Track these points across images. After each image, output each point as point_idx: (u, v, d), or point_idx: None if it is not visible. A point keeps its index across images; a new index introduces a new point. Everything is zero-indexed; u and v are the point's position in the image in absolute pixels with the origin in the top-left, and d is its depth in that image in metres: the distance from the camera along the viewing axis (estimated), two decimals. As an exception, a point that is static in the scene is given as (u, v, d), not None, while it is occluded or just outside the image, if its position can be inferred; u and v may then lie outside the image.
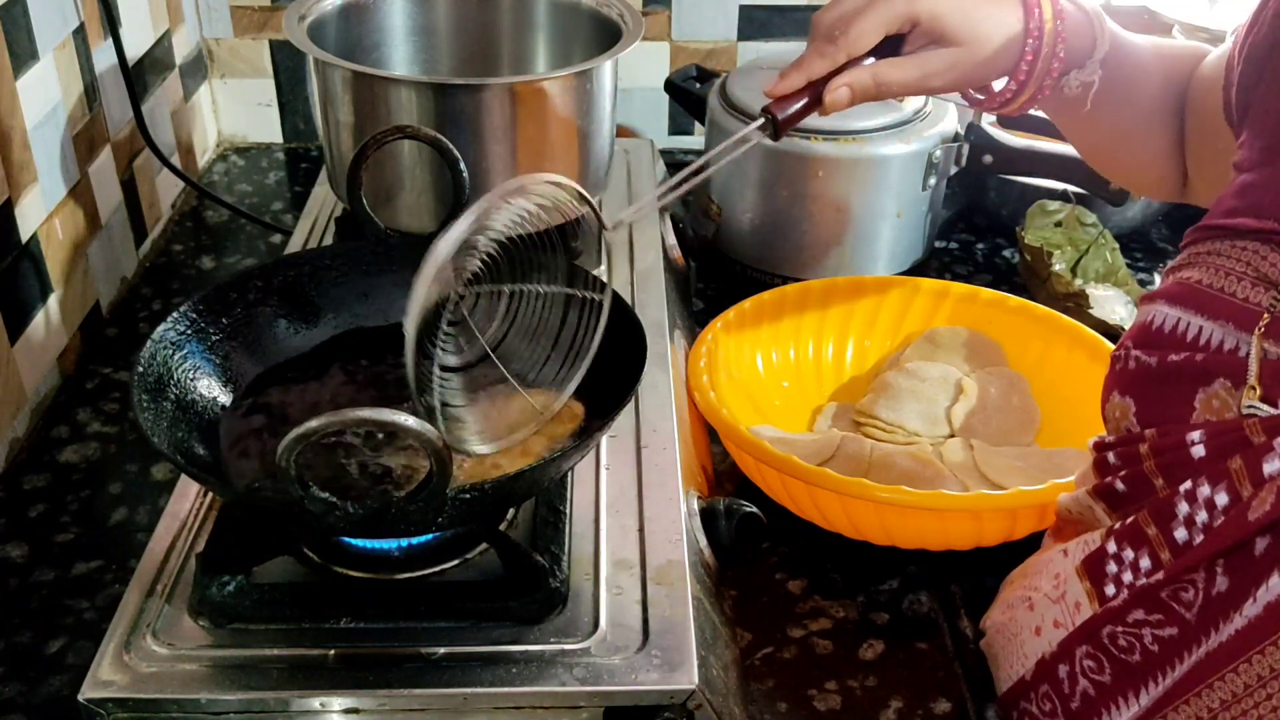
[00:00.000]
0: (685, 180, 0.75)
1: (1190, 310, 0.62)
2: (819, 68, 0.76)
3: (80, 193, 1.10)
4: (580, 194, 0.72)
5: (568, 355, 0.76)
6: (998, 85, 0.80)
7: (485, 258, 0.71)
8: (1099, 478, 0.65)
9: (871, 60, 0.77)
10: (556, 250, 0.75)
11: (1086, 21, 0.78)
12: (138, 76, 1.22)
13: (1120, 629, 0.60)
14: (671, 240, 1.15)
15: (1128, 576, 0.60)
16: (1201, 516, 0.57)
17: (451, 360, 0.73)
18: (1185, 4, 1.77)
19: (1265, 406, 0.56)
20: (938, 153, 1.17)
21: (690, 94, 1.28)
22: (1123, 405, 0.64)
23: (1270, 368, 0.57)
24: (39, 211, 1.02)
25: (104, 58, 1.15)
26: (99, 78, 1.14)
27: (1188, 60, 0.83)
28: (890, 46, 0.76)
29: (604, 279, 0.75)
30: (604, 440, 0.84)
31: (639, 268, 1.06)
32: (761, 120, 0.78)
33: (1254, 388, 0.57)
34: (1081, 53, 0.78)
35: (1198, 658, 0.56)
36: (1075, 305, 1.13)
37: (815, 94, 0.77)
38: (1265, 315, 0.58)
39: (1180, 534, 0.57)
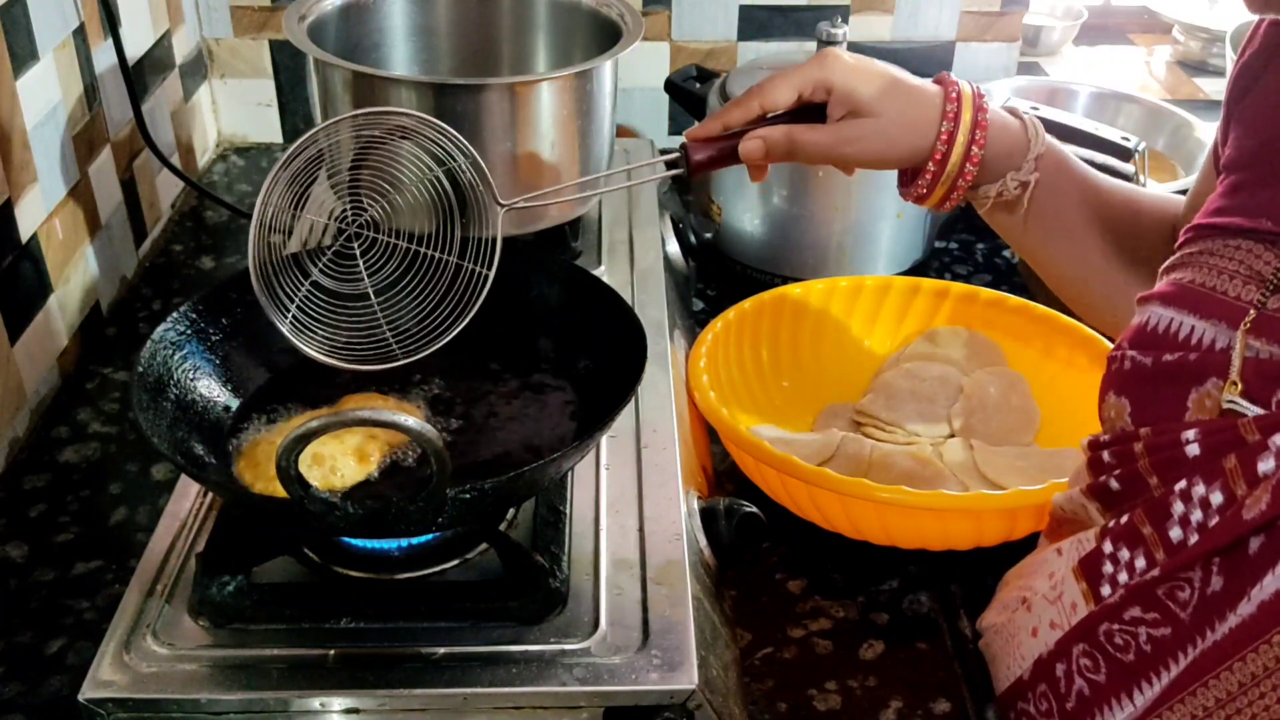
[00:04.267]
0: (597, 188, 0.84)
1: (1184, 310, 0.62)
2: (735, 118, 0.81)
3: (80, 193, 1.10)
4: (477, 162, 0.78)
5: (444, 321, 0.81)
6: (915, 170, 0.82)
7: (390, 207, 0.79)
8: (1093, 477, 0.65)
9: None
10: (455, 220, 0.81)
11: (1018, 125, 0.82)
12: (138, 76, 1.22)
13: (1116, 627, 0.60)
14: (671, 240, 1.15)
15: (1123, 576, 0.60)
16: (1196, 515, 0.57)
17: (327, 283, 0.80)
18: (1185, 4, 1.77)
19: (1244, 402, 0.57)
20: (938, 153, 1.17)
21: (690, 94, 1.28)
22: (1118, 405, 0.64)
23: (1253, 365, 0.57)
24: (39, 211, 1.02)
25: (104, 58, 1.15)
26: (99, 78, 1.14)
27: (1168, 205, 0.85)
28: (817, 115, 0.80)
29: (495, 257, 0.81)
30: (604, 440, 0.84)
31: (639, 268, 1.06)
32: (676, 155, 0.82)
33: (1235, 383, 0.57)
34: (1013, 154, 0.81)
35: (1192, 657, 0.56)
36: (1075, 305, 1.13)
37: (734, 144, 0.81)
38: (1251, 311, 0.58)
39: (1175, 533, 0.58)
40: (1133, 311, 0.84)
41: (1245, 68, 0.68)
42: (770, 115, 0.82)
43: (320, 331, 0.78)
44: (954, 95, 0.79)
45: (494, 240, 0.80)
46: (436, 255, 0.81)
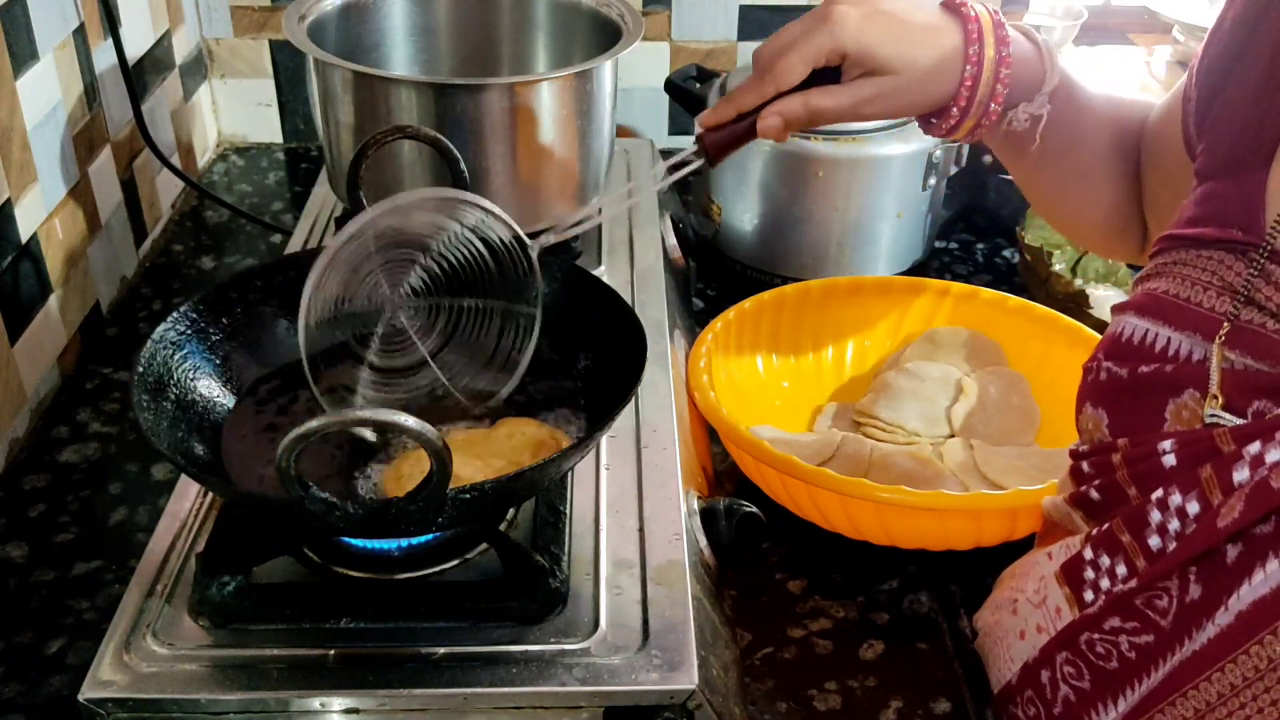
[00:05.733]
0: (627, 197, 0.82)
1: (1158, 321, 0.62)
2: (748, 100, 0.77)
3: (80, 193, 1.10)
4: (504, 220, 0.77)
5: (503, 368, 0.82)
6: (940, 112, 0.79)
7: (425, 273, 0.77)
8: (1075, 486, 0.65)
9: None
10: (492, 268, 0.80)
11: (1035, 53, 0.77)
12: (138, 76, 1.22)
13: (1098, 636, 0.60)
14: (671, 240, 1.15)
15: (1105, 583, 0.60)
16: (1174, 525, 0.57)
17: (381, 362, 0.79)
18: (1185, 4, 1.77)
19: (1227, 415, 0.57)
20: (938, 153, 1.17)
21: (690, 94, 1.28)
22: (1095, 417, 0.64)
23: (1231, 377, 0.57)
24: (39, 211, 1.02)
25: (104, 58, 1.15)
26: (99, 78, 1.14)
27: (1139, 111, 0.83)
28: (829, 76, 0.77)
29: (538, 296, 0.81)
30: (604, 440, 0.84)
31: (639, 268, 1.06)
32: (695, 147, 0.80)
33: (1216, 396, 0.57)
34: (1030, 85, 0.77)
35: (1173, 665, 0.56)
36: (1075, 305, 1.13)
37: (749, 123, 0.78)
38: (1225, 324, 0.58)
39: (1154, 541, 0.58)
40: (1128, 234, 0.84)
41: (1212, 67, 0.67)
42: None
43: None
44: (975, 35, 0.75)
45: (535, 279, 0.80)
46: (482, 305, 0.81)
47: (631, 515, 0.78)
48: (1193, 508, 0.56)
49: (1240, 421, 0.56)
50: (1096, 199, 0.84)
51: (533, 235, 0.80)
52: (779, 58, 0.75)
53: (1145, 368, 0.61)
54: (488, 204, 0.78)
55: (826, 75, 0.76)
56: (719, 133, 0.79)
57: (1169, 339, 0.61)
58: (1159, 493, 0.58)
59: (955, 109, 0.77)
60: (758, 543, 0.83)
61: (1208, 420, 0.57)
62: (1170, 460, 0.58)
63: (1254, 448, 0.54)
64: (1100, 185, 0.83)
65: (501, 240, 0.79)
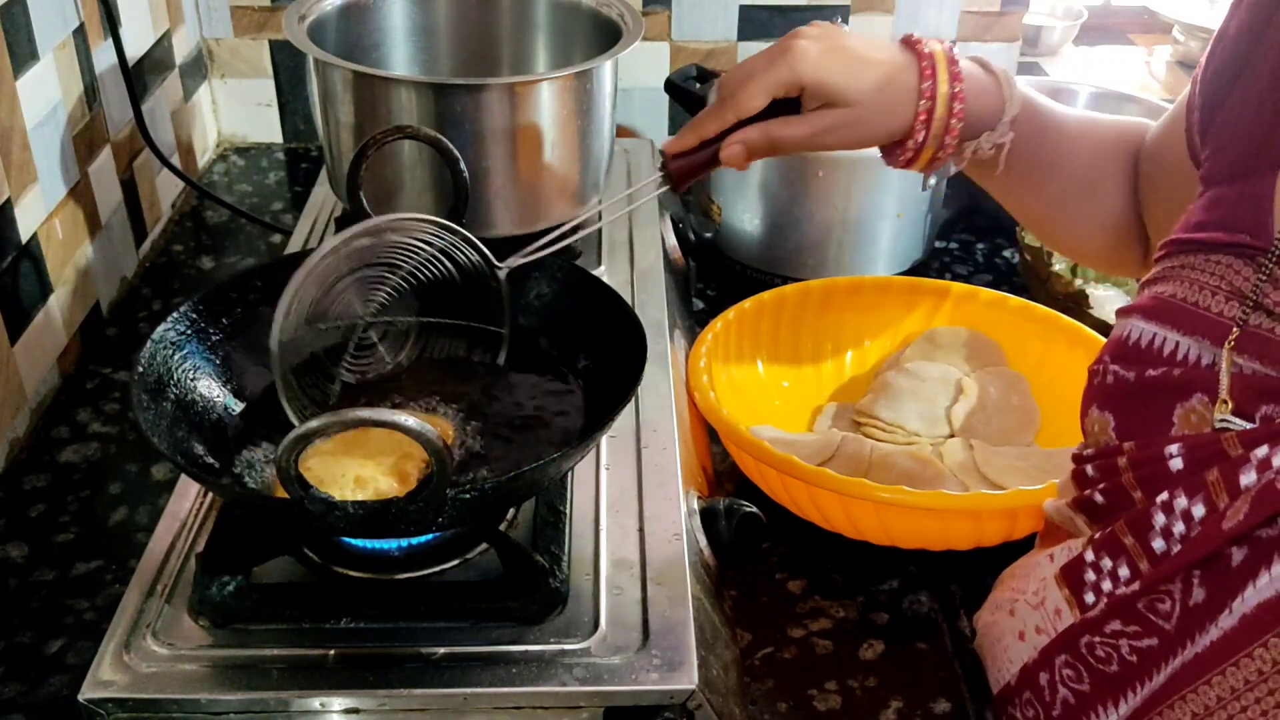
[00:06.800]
0: (579, 227, 0.83)
1: (1165, 325, 0.62)
2: (710, 128, 0.80)
3: (80, 193, 1.10)
4: (468, 239, 0.79)
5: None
6: (898, 143, 0.81)
7: (395, 291, 0.79)
8: (1078, 490, 0.65)
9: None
10: (460, 286, 0.81)
11: (992, 84, 0.80)
12: (138, 76, 1.22)
13: (1098, 639, 0.60)
14: (671, 240, 1.15)
15: (1107, 585, 0.60)
16: (1179, 528, 0.57)
17: (352, 380, 0.82)
18: (1185, 4, 1.77)
19: (1237, 420, 0.56)
20: (938, 153, 1.17)
21: (690, 94, 1.28)
22: (1101, 420, 0.64)
23: (1241, 381, 0.57)
24: (39, 211, 1.02)
25: (104, 58, 1.15)
26: (99, 78, 1.14)
27: (1130, 131, 0.84)
28: (790, 107, 0.79)
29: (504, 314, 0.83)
30: (604, 440, 0.84)
31: (639, 268, 1.06)
32: (659, 175, 0.82)
33: (1225, 401, 0.57)
34: (989, 115, 0.80)
35: (1174, 668, 0.56)
36: (1075, 305, 1.13)
37: (713, 151, 0.80)
38: (1235, 329, 0.58)
39: (1158, 544, 0.58)
40: (1127, 250, 0.85)
41: (1216, 75, 0.67)
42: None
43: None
44: (929, 70, 0.78)
45: (502, 300, 0.82)
46: (451, 324, 0.83)
47: (631, 515, 0.78)
48: (1198, 511, 0.56)
49: (1250, 426, 0.56)
50: (1085, 220, 0.85)
51: (502, 257, 0.81)
52: (741, 87, 0.78)
53: (1153, 371, 0.61)
54: (457, 228, 0.79)
55: (787, 107, 0.79)
56: (682, 160, 0.81)
57: (1177, 343, 0.61)
58: (1164, 496, 0.57)
59: (911, 140, 0.80)
60: (758, 543, 0.83)
61: (1217, 425, 0.57)
62: (1177, 464, 0.58)
63: (1261, 451, 0.54)
64: (1084, 207, 0.84)
65: (470, 261, 0.80)
